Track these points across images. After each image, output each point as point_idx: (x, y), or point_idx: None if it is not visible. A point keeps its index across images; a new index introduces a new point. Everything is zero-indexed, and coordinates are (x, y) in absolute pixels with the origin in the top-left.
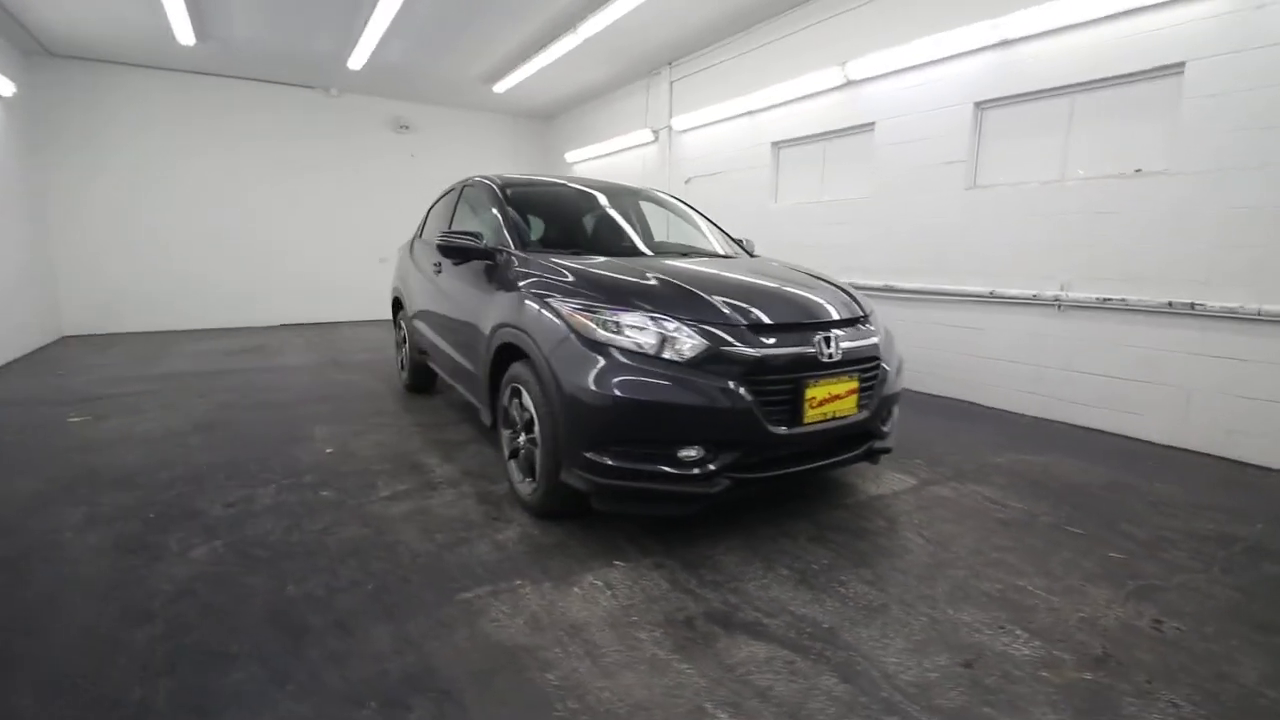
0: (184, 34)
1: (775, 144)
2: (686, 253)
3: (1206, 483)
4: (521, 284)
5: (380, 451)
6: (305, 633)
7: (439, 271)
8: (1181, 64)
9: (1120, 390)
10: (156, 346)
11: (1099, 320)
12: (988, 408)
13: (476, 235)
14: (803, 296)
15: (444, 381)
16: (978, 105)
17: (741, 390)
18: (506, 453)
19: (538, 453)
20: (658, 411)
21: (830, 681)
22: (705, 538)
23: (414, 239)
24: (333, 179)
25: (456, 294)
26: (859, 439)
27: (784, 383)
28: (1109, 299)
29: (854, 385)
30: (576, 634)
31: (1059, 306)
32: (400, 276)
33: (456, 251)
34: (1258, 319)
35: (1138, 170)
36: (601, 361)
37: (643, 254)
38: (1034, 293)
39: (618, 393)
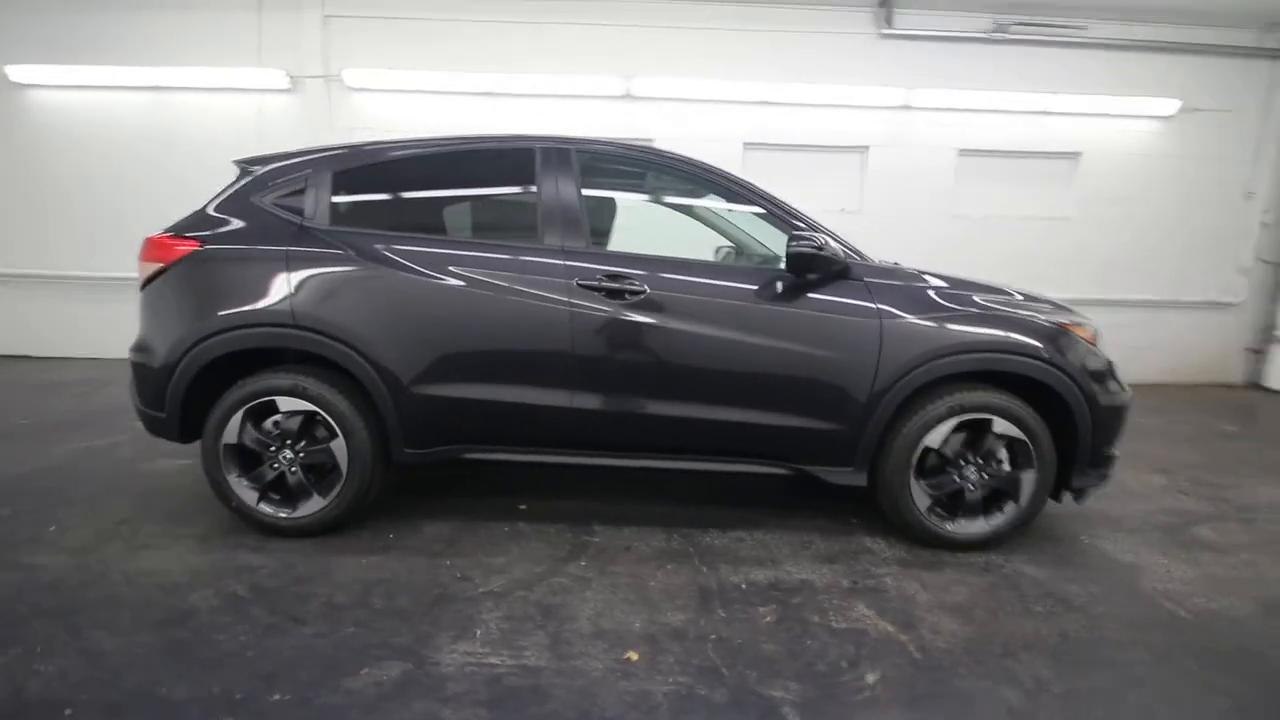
0: None
1: None
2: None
3: None
4: (945, 300)
5: (692, 627)
6: None
7: (641, 294)
8: (867, 146)
9: None
10: None
11: None
12: None
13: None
14: None
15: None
16: (746, 145)
17: None
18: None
19: (1028, 476)
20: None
21: None
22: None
23: (322, 235)
24: None
25: (762, 330)
26: None
27: None
28: None
29: None
30: None
31: None
32: (312, 307)
33: (809, 264)
34: None
35: (842, 209)
36: (1110, 367)
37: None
38: None
39: (1130, 391)
